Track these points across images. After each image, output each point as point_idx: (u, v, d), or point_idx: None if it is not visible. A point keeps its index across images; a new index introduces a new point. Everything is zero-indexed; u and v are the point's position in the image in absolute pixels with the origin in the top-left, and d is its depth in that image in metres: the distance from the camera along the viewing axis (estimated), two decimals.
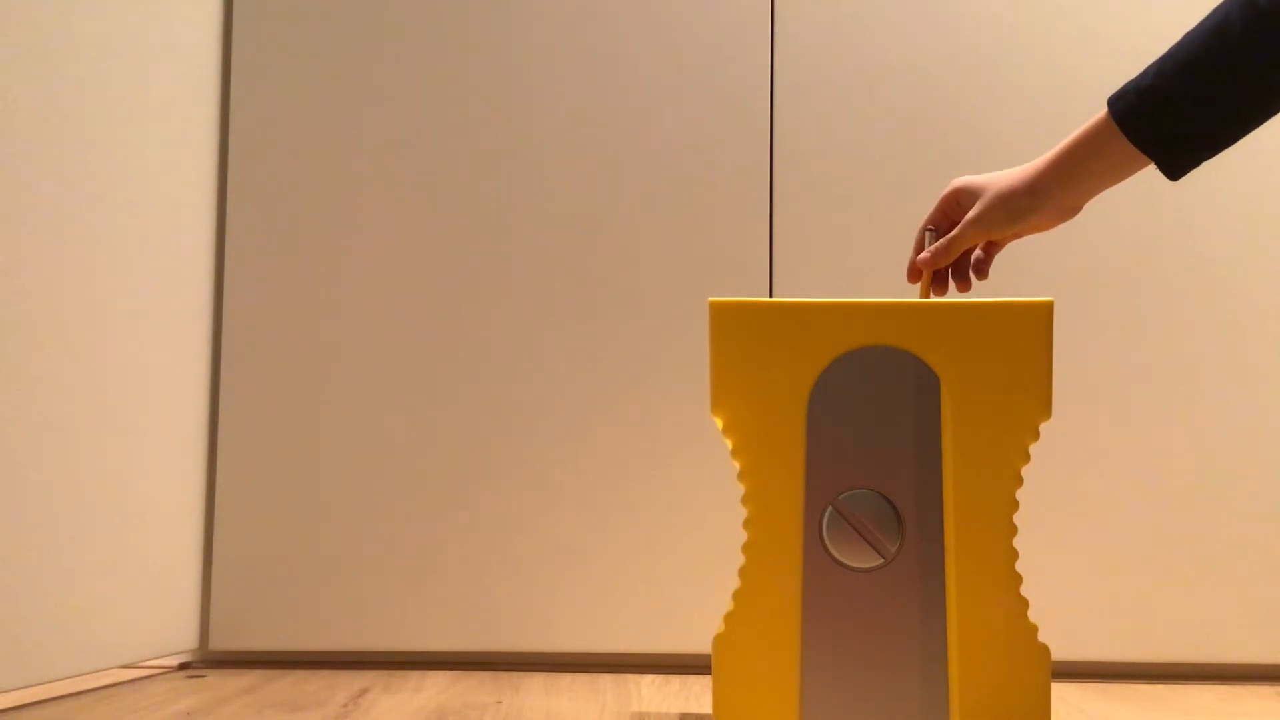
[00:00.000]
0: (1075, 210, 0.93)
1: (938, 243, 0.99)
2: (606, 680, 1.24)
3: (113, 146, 1.16)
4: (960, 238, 0.96)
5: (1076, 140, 0.90)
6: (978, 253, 1.01)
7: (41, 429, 1.06)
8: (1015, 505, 0.91)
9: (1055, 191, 0.91)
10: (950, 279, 1.01)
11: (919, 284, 1.00)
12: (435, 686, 1.19)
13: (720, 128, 1.33)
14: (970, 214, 0.96)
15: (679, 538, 1.30)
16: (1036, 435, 0.92)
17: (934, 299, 0.96)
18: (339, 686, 1.18)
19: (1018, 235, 0.97)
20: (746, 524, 0.92)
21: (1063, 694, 1.18)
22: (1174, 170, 0.87)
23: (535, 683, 1.22)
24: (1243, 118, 0.83)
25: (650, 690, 1.18)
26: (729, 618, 0.92)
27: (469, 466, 1.32)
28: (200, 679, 1.22)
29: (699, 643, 1.28)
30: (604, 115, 1.34)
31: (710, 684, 0.96)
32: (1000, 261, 1.02)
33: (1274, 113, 0.83)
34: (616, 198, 1.33)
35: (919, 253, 1.00)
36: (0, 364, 1.02)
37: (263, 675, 1.24)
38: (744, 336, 0.93)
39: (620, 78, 1.34)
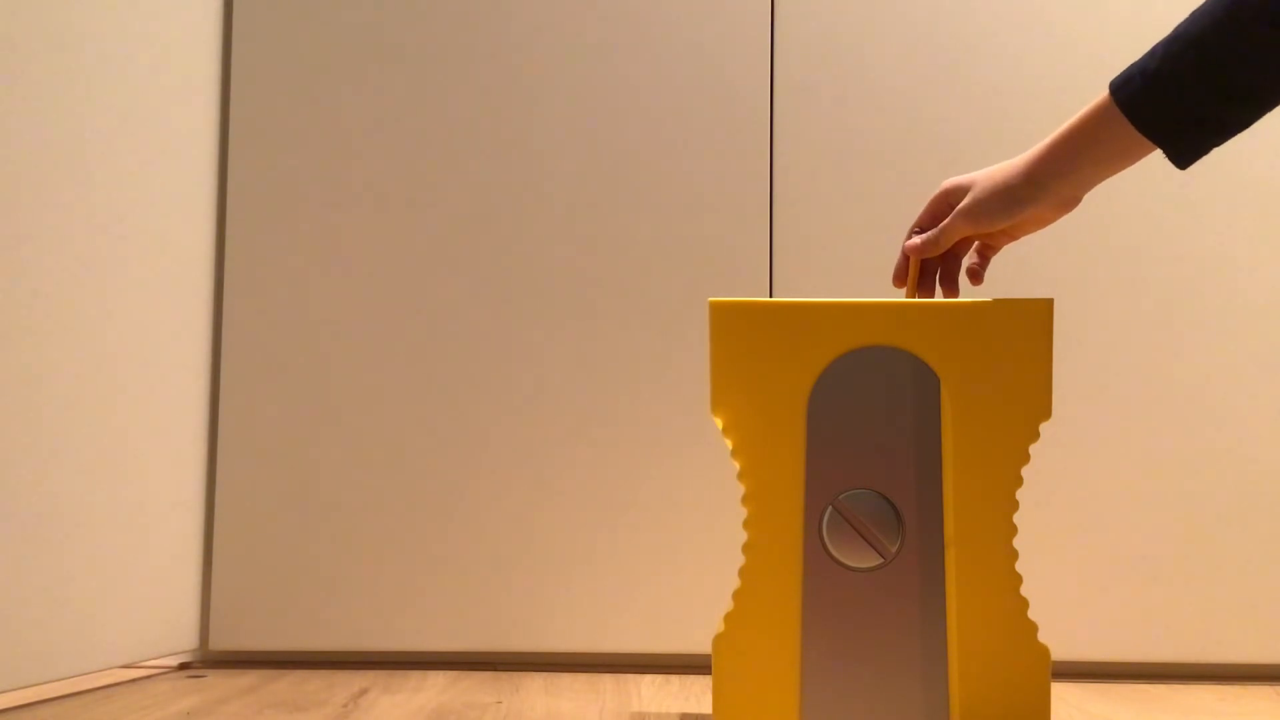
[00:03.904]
0: (1075, 202, 0.88)
1: (928, 233, 0.94)
2: (606, 680, 1.24)
3: (113, 146, 1.16)
4: (951, 228, 0.92)
5: (1076, 128, 0.84)
6: (972, 258, 0.97)
7: (42, 429, 1.06)
8: (1015, 505, 0.91)
9: (1054, 180, 0.86)
10: (938, 284, 0.97)
11: (904, 288, 0.98)
12: (435, 686, 1.19)
13: (720, 128, 1.33)
14: (963, 204, 0.90)
15: (679, 538, 1.30)
16: (1036, 435, 0.92)
17: (934, 299, 0.95)
18: (339, 686, 1.18)
19: (1013, 233, 0.93)
20: (746, 524, 0.92)
21: (1063, 694, 1.18)
22: (1183, 159, 0.81)
23: (535, 683, 1.22)
24: (1260, 99, 0.77)
25: (650, 690, 1.18)
26: (729, 618, 0.92)
27: (468, 466, 1.32)
28: (200, 679, 1.22)
29: (699, 643, 1.28)
30: (604, 115, 1.34)
31: (710, 684, 0.96)
32: (1000, 260, 1.01)
33: None
34: (616, 197, 1.33)
35: (907, 259, 0.96)
36: (0, 364, 1.02)
37: (263, 675, 1.24)
38: (744, 336, 0.93)
39: (620, 77, 1.34)
